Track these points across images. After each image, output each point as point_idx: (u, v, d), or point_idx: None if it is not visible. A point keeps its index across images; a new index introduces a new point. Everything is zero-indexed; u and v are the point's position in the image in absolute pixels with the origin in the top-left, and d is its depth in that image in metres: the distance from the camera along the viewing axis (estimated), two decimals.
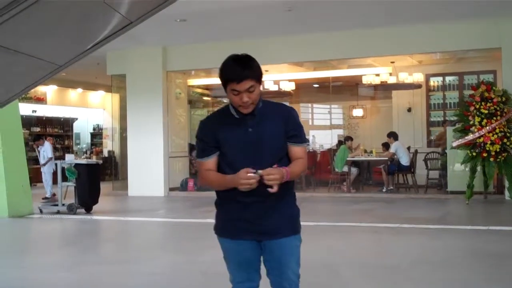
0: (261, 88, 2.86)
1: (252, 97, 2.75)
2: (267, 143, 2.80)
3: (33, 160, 15.96)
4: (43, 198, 12.94)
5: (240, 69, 2.72)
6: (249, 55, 2.81)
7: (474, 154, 10.83)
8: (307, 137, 15.49)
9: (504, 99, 10.91)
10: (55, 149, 16.71)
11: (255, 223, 2.82)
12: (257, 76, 2.77)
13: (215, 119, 2.94)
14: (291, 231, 2.89)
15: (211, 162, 2.86)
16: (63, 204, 10.68)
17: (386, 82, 14.35)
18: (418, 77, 14.22)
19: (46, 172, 13.30)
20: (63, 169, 10.75)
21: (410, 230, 8.24)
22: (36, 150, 13.89)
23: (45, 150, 13.31)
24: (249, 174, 2.66)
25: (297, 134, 2.89)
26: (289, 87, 15.61)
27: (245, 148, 2.79)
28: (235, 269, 2.94)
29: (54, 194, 12.99)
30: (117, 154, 18.67)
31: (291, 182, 2.90)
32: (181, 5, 5.65)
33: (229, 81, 2.74)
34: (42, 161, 13.34)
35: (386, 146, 13.51)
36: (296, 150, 2.88)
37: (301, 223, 2.99)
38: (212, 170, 2.86)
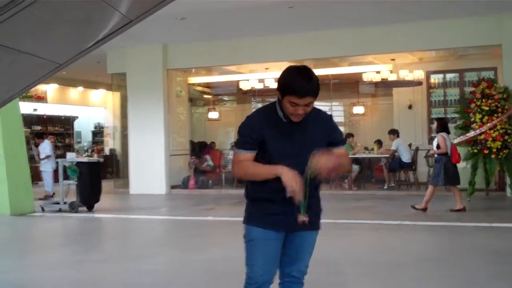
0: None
1: (306, 110, 2.88)
2: (310, 149, 2.90)
3: (34, 159, 15.98)
4: (44, 196, 12.97)
5: (305, 85, 2.83)
6: (310, 68, 2.90)
7: (475, 151, 10.83)
8: None
9: (505, 96, 10.91)
10: (56, 147, 16.74)
11: (290, 216, 2.95)
12: (317, 94, 2.90)
13: (262, 117, 3.00)
14: (315, 227, 3.12)
15: (249, 156, 2.96)
16: (65, 202, 10.69)
17: (386, 79, 14.34)
18: (418, 74, 14.20)
19: (45, 171, 13.38)
20: (64, 167, 10.76)
21: (412, 227, 8.25)
22: (39, 148, 13.97)
23: (44, 148, 13.45)
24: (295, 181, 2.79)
25: (341, 139, 3.14)
26: None
27: (288, 152, 2.93)
28: (261, 260, 2.98)
29: (53, 194, 13.07)
30: (118, 152, 18.68)
31: (319, 185, 3.12)
32: (181, 3, 5.65)
33: (291, 94, 2.83)
34: (41, 158, 13.52)
35: (379, 143, 13.56)
36: (340, 151, 3.07)
37: None
38: (247, 160, 2.97)
